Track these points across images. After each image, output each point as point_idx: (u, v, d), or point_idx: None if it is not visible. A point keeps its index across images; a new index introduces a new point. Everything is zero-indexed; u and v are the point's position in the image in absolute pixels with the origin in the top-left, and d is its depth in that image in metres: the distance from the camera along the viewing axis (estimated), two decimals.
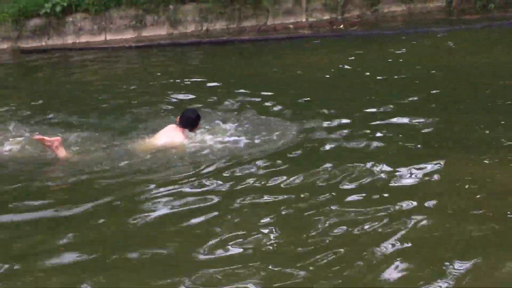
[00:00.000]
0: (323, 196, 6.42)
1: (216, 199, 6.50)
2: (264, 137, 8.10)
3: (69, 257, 5.50)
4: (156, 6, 16.21)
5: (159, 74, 12.72)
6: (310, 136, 8.18)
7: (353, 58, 12.66)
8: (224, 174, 7.10)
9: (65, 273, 5.29)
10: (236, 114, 9.04)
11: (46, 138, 7.82)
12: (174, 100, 10.43)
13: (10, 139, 8.56)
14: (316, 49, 13.99)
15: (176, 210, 6.36)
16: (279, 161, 7.38)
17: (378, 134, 8.15)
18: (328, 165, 7.16)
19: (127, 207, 6.53)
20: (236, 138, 8.03)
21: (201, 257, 5.39)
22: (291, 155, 7.61)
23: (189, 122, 8.10)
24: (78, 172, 7.44)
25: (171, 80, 12.06)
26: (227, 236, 5.70)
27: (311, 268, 5.08)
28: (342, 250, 5.34)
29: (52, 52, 15.75)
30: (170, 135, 8.02)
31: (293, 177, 6.89)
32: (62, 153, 7.79)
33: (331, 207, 6.15)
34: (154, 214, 6.26)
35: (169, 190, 6.79)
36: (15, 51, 16.12)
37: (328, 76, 11.36)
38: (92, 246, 5.70)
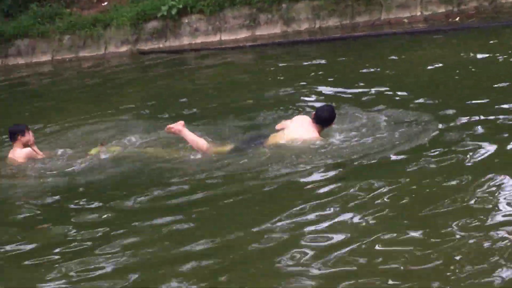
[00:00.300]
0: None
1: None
2: (400, 134, 7.82)
3: None
4: (270, 5, 16.31)
5: (277, 73, 12.80)
6: (449, 135, 7.78)
7: (475, 49, 12.27)
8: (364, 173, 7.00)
9: None
10: (363, 110, 8.90)
11: (170, 125, 8.18)
12: (296, 97, 10.46)
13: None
14: (433, 43, 13.69)
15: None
16: (422, 161, 7.12)
17: None
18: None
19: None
20: (370, 136, 7.82)
21: None
22: (433, 154, 7.28)
23: (324, 119, 7.92)
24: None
25: (289, 78, 12.09)
26: None
27: None
28: None
29: (169, 53, 16.18)
30: (307, 129, 7.90)
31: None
32: (188, 134, 8.10)
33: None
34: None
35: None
36: (133, 53, 16.64)
37: (451, 71, 11.06)
38: None
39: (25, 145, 8.73)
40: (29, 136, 8.77)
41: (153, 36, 16.69)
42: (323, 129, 7.98)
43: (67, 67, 16.51)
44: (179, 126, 8.11)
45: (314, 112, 8.05)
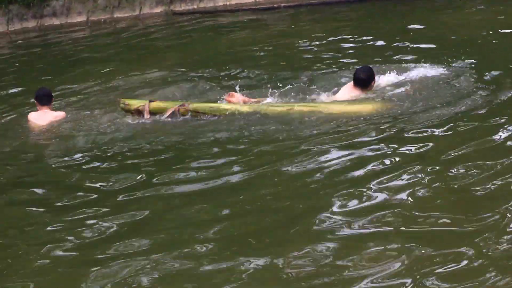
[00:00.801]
0: None
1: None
2: (442, 98, 7.81)
3: None
4: None
5: (313, 33, 12.77)
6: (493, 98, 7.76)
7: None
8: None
9: None
10: (404, 69, 8.88)
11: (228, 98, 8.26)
12: (337, 59, 10.45)
13: None
14: (472, 4, 13.56)
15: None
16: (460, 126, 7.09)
17: None
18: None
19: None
20: (411, 99, 7.83)
21: None
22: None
23: (362, 81, 8.00)
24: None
25: (325, 39, 12.07)
26: None
27: None
28: None
29: (203, 14, 16.18)
30: (350, 96, 8.04)
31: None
32: (239, 99, 8.19)
33: None
34: None
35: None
36: (168, 14, 16.66)
37: (492, 33, 10.96)
38: None
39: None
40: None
41: None
42: (364, 90, 8.03)
43: (102, 28, 16.58)
44: (230, 94, 8.26)
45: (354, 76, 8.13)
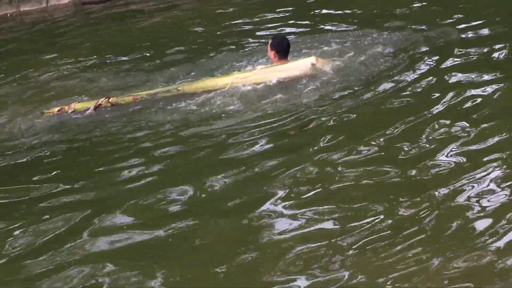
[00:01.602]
0: None
1: None
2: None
3: None
4: None
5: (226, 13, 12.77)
6: None
7: None
8: None
9: None
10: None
11: None
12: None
13: None
14: None
15: None
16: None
17: None
18: None
19: None
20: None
21: None
22: None
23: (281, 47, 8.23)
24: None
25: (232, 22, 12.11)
26: None
27: None
28: None
29: (112, 1, 15.89)
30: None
31: None
32: None
33: None
34: None
35: None
36: (76, 4, 16.28)
37: None
38: None
39: None
40: None
41: None
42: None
43: (9, 23, 16.11)
44: None
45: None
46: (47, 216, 5.73)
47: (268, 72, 7.94)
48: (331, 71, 7.89)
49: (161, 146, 6.99)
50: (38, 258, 5.12)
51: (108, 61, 10.81)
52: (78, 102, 8.32)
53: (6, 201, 6.27)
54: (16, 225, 5.70)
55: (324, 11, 11.59)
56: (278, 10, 12.25)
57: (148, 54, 10.85)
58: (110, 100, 8.12)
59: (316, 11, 11.69)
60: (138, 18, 14.29)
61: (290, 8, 12.26)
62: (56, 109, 8.22)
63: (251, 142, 6.67)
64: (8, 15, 16.53)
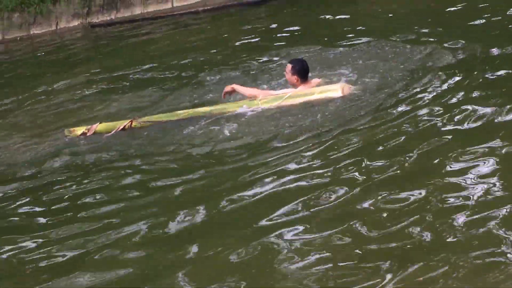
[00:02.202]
0: None
1: None
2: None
3: None
4: None
5: (235, 36, 12.89)
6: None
7: None
8: None
9: None
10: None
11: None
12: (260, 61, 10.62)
13: None
14: None
15: None
16: None
17: None
18: None
19: None
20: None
21: None
22: None
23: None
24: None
25: (251, 41, 12.24)
26: None
27: None
28: None
29: (121, 24, 16.10)
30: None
31: None
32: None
33: None
34: None
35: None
36: (86, 27, 16.51)
37: None
38: None
39: None
40: None
41: (103, 8, 16.57)
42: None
43: (19, 46, 16.32)
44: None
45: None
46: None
47: (296, 97, 7.91)
48: (357, 93, 7.82)
49: (188, 167, 6.94)
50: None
51: (121, 83, 10.91)
52: (100, 123, 8.26)
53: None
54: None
55: (345, 28, 11.70)
56: (286, 29, 12.44)
57: (160, 75, 10.93)
58: (134, 123, 8.10)
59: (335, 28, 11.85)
60: (146, 40, 14.47)
61: (297, 28, 12.43)
62: (79, 131, 8.21)
63: (276, 164, 6.55)
64: (18, 38, 16.74)
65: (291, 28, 12.51)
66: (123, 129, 8.09)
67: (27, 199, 6.80)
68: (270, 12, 14.56)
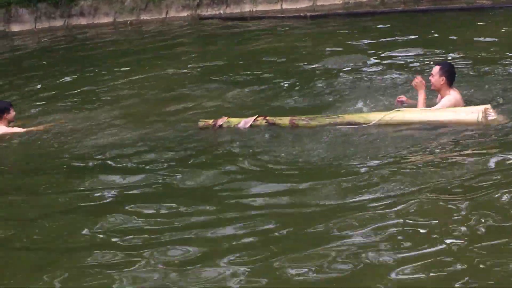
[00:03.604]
0: None
1: None
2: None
3: None
4: None
5: (338, 44, 12.76)
6: None
7: None
8: None
9: None
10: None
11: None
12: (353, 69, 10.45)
13: None
14: (497, 20, 13.49)
15: None
16: None
17: None
18: None
19: None
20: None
21: None
22: None
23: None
24: None
25: (348, 50, 12.06)
26: None
27: None
28: None
29: (229, 20, 16.25)
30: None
31: None
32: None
33: None
34: None
35: None
36: (194, 18, 16.76)
37: None
38: None
39: (10, 121, 8.87)
40: (13, 113, 8.89)
41: (214, 2, 16.77)
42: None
43: (128, 30, 16.72)
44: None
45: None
46: None
47: (434, 112, 7.38)
48: (502, 121, 7.18)
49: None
50: None
51: (228, 78, 10.85)
52: (228, 117, 8.00)
53: None
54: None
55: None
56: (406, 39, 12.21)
57: (269, 75, 10.71)
58: (268, 118, 7.79)
59: None
60: (249, 37, 14.46)
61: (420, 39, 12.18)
62: (211, 121, 7.99)
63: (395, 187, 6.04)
64: (128, 22, 17.16)
65: (414, 39, 12.18)
66: (255, 120, 7.83)
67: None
68: (379, 22, 14.34)
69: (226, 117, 8.02)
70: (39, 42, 16.55)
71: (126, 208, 6.08)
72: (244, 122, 7.85)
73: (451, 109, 7.35)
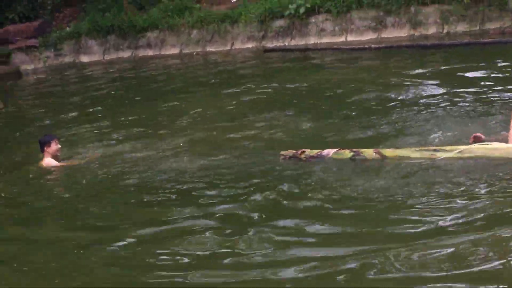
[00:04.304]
0: None
1: None
2: None
3: None
4: (397, 8, 16.24)
5: (403, 76, 12.69)
6: None
7: None
8: None
9: None
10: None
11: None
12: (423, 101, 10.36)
13: None
14: None
15: None
16: None
17: None
18: None
19: None
20: None
21: None
22: None
23: None
24: None
25: (416, 82, 11.98)
26: None
27: None
28: None
29: (294, 51, 16.35)
30: None
31: None
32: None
33: None
34: None
35: None
36: (259, 50, 16.93)
37: None
38: None
39: (54, 154, 8.92)
40: (55, 147, 8.92)
41: (278, 34, 16.93)
42: None
43: (194, 61, 16.98)
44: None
45: None
46: None
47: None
48: None
49: None
50: None
51: (291, 108, 10.89)
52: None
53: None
54: None
55: None
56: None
57: (338, 106, 10.62)
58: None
59: None
60: (315, 68, 14.53)
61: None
62: (292, 152, 7.83)
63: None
64: (194, 53, 17.44)
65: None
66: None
67: None
68: (444, 53, 14.23)
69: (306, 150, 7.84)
70: (106, 72, 16.94)
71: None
72: (327, 152, 7.65)
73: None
